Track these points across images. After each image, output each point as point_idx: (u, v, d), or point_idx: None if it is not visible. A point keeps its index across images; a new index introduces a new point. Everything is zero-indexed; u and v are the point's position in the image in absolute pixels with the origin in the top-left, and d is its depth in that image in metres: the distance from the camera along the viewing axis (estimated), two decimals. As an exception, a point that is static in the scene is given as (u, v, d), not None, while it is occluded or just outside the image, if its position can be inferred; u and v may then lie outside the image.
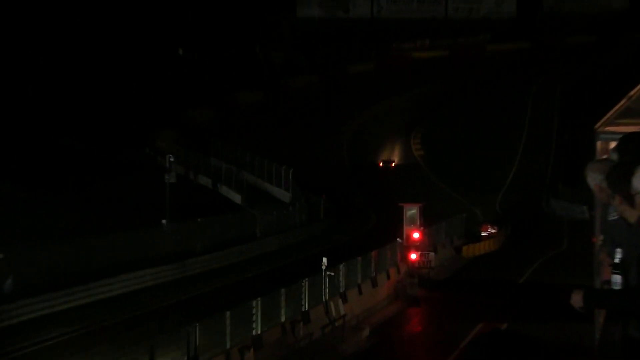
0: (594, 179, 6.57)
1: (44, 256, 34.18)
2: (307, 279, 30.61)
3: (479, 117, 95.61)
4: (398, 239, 41.37)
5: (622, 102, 13.66)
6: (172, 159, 48.70)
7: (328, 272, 31.79)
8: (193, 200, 56.21)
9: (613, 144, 7.56)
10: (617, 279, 5.91)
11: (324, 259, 31.88)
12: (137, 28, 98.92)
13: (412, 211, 44.79)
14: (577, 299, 5.80)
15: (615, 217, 6.24)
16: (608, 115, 13.40)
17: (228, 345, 24.95)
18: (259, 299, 27.29)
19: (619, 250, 5.99)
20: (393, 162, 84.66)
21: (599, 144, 12.86)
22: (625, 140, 6.88)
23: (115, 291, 35.91)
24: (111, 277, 36.12)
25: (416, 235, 42.65)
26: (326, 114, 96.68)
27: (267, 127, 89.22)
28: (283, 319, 28.51)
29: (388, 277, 38.73)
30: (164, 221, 44.02)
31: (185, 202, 52.12)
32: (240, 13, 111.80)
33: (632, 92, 13.60)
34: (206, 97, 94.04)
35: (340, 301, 32.72)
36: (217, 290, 38.08)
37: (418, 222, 43.96)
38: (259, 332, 26.73)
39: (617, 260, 5.97)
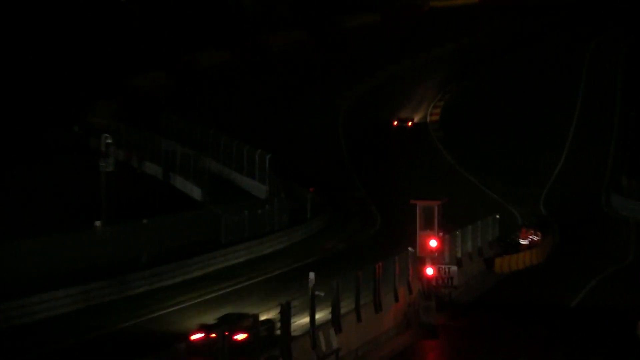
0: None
1: None
2: (288, 301, 30.41)
3: (518, 85, 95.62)
4: (410, 248, 41.09)
5: None
6: (109, 141, 48.58)
7: (316, 292, 31.64)
8: (137, 195, 56.05)
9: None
10: None
11: (311, 275, 31.71)
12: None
13: (428, 210, 43.64)
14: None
15: None
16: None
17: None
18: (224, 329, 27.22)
19: None
20: (411, 121, 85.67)
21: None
22: None
23: (27, 318, 35.42)
24: (25, 297, 35.71)
25: (434, 243, 41.89)
26: (316, 80, 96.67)
27: (237, 97, 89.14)
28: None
29: (396, 298, 38.46)
30: (97, 222, 43.81)
31: (127, 198, 51.98)
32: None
33: None
34: (156, 57, 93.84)
35: (332, 331, 32.47)
36: (162, 317, 37.81)
37: (436, 226, 43.09)
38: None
39: None
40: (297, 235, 55.89)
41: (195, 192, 59.72)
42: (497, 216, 56.50)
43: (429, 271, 40.55)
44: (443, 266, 41.37)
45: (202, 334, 30.42)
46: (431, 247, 41.71)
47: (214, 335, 28.01)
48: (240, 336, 29.98)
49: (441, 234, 42.80)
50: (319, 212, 60.69)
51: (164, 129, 68.57)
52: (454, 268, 41.78)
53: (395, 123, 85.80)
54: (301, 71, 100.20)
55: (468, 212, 55.53)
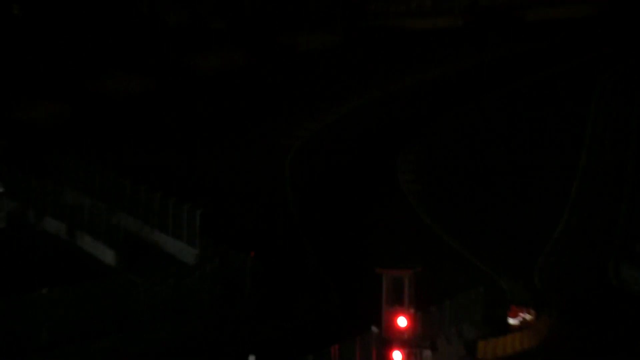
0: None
1: None
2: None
3: (510, 127, 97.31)
4: (373, 328, 42.06)
5: None
6: (1, 190, 48.91)
7: None
8: (35, 257, 56.17)
9: None
10: None
11: (252, 358, 32.34)
12: None
13: (396, 281, 45.42)
14: None
15: None
16: None
17: None
18: None
19: None
20: None
21: None
22: None
23: None
24: None
25: (403, 321, 43.38)
26: (258, 116, 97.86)
27: (159, 136, 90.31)
28: None
29: (355, 390, 39.40)
30: (-15, 291, 44.31)
31: (22, 261, 52.62)
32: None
33: None
34: (56, 83, 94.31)
35: None
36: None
37: (407, 301, 44.68)
38: None
39: None
40: (234, 311, 55.81)
41: (108, 256, 60.13)
42: (482, 289, 57.38)
43: (397, 356, 41.70)
44: (414, 350, 42.61)
45: None
46: (400, 326, 43.12)
47: None
48: None
49: (412, 310, 44.16)
50: (261, 282, 60.34)
51: (68, 175, 68.91)
52: (427, 353, 43.34)
53: None
54: (239, 103, 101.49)
55: (447, 285, 56.77)
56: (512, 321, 56.75)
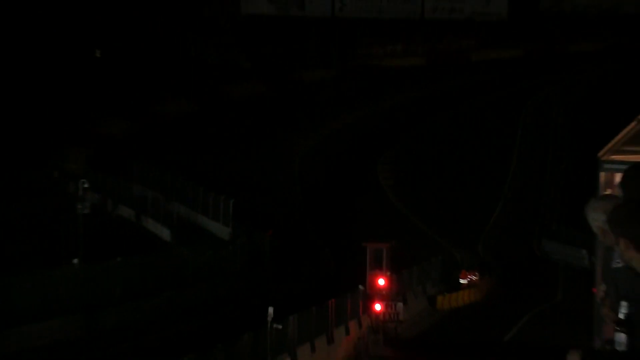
0: (596, 219, 6.53)
1: None
2: (249, 334, 30.91)
3: (461, 138, 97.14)
4: (360, 286, 41.85)
5: (632, 125, 13.86)
6: (86, 185, 48.90)
7: (275, 324, 32.05)
8: (112, 235, 56.65)
9: (619, 176, 7.31)
10: (621, 337, 6.01)
11: (270, 309, 32.20)
12: (41, 20, 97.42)
13: (377, 252, 45.13)
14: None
15: (620, 265, 6.18)
16: (614, 141, 13.60)
17: None
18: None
19: (624, 303, 6.06)
20: None
21: (602, 175, 13.04)
22: (633, 172, 6.67)
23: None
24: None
25: (382, 281, 43.14)
26: (274, 130, 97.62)
27: (202, 145, 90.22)
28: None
29: (347, 332, 39.15)
30: (75, 260, 44.03)
31: (102, 238, 52.46)
32: (171, 5, 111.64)
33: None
34: (127, 106, 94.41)
35: (288, 360, 32.97)
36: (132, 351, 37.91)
37: (385, 266, 44.36)
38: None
39: (621, 316, 6.05)
40: (257, 275, 55.65)
41: (165, 234, 60.14)
42: (440, 258, 57.80)
43: (377, 307, 41.44)
44: (390, 303, 42.16)
45: None
46: (380, 285, 42.91)
47: None
48: None
49: (389, 273, 43.85)
50: (277, 254, 60.17)
51: (136, 175, 68.93)
52: (400, 304, 42.94)
53: None
54: (259, 121, 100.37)
55: (416, 254, 56.60)
56: (462, 281, 57.27)
